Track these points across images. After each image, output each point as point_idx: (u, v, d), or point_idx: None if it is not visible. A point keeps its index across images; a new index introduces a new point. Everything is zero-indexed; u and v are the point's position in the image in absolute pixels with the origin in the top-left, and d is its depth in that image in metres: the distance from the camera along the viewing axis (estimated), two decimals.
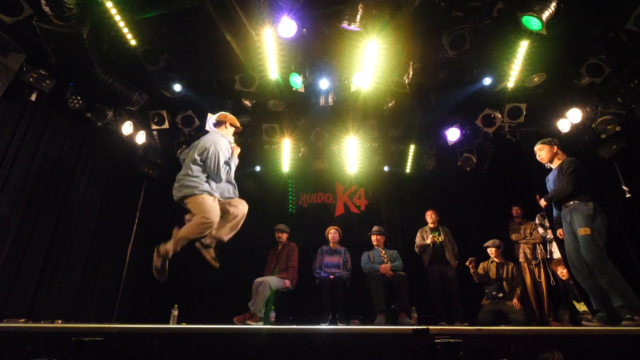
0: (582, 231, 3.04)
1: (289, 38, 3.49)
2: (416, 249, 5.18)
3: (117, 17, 3.37)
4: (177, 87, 4.50)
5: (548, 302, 4.74)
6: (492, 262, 4.78)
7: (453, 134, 5.21)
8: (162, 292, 5.19)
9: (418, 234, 5.24)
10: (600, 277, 2.94)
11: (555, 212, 3.50)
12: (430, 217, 5.21)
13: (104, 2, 3.21)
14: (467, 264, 4.64)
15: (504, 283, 4.55)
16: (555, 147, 3.44)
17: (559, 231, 3.50)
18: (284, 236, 5.11)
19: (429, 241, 5.00)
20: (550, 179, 3.45)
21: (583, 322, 3.42)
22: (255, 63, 4.00)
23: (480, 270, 4.71)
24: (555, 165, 3.45)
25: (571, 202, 3.20)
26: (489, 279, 4.67)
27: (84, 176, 4.50)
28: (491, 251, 4.79)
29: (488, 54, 4.06)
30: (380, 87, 4.27)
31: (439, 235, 5.05)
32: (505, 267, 4.68)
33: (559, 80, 4.31)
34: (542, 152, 3.47)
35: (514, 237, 5.20)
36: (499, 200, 5.72)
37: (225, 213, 3.12)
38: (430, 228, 5.17)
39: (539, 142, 3.53)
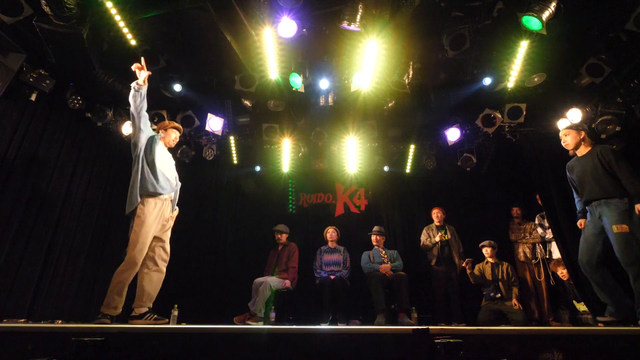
0: (619, 228, 2.79)
1: (289, 38, 3.49)
2: (422, 247, 5.16)
3: (117, 17, 3.37)
4: (177, 87, 4.50)
5: (548, 302, 4.74)
6: (486, 262, 4.78)
7: (453, 134, 5.21)
8: (162, 292, 5.17)
9: (424, 231, 5.21)
10: (633, 274, 2.72)
11: (579, 204, 3.26)
12: (436, 215, 5.19)
13: (104, 2, 3.21)
14: (463, 264, 4.65)
15: (500, 284, 4.56)
16: (583, 133, 3.20)
17: (580, 221, 3.21)
18: (284, 237, 5.11)
19: (437, 239, 4.98)
20: (583, 168, 3.13)
21: (598, 318, 3.08)
22: (255, 63, 4.00)
23: (476, 271, 4.72)
24: (581, 152, 3.21)
25: (604, 199, 2.94)
26: (485, 280, 4.67)
27: (84, 176, 4.50)
28: (486, 251, 4.79)
29: (488, 54, 4.05)
30: (380, 87, 4.27)
31: (446, 233, 5.03)
32: (500, 267, 4.68)
33: (559, 80, 4.31)
34: (567, 137, 3.24)
35: (513, 237, 5.21)
36: (499, 200, 5.72)
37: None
38: (437, 226, 5.15)
39: (564, 127, 3.31)
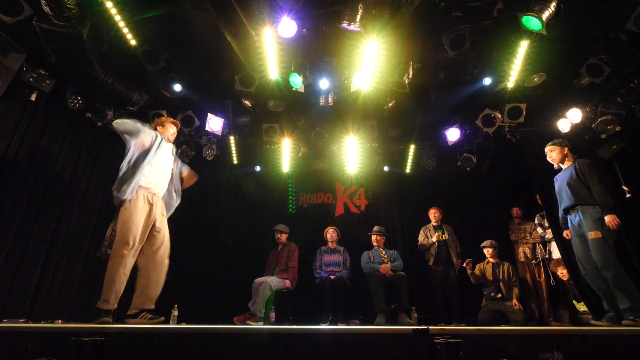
0: (593, 235, 3.08)
1: (289, 38, 3.49)
2: (419, 247, 5.16)
3: (117, 17, 3.37)
4: (177, 87, 4.49)
5: (548, 302, 4.74)
6: (487, 262, 4.78)
7: (453, 134, 5.21)
8: (162, 292, 5.18)
9: (421, 232, 5.21)
10: (609, 278, 2.97)
11: (561, 214, 3.51)
12: (433, 215, 5.18)
13: (104, 2, 3.21)
14: (464, 265, 4.65)
15: (501, 284, 4.56)
16: (566, 149, 3.49)
17: (566, 232, 3.52)
18: (283, 237, 5.11)
19: (434, 239, 4.97)
20: (562, 179, 3.44)
21: (593, 322, 3.40)
22: (255, 63, 4.00)
23: (476, 271, 4.72)
24: (565, 166, 3.49)
25: (579, 206, 3.23)
26: (485, 280, 4.67)
27: (84, 176, 4.50)
28: (488, 251, 4.79)
29: (488, 54, 4.05)
30: (380, 87, 4.27)
31: (443, 233, 5.03)
32: (501, 267, 4.69)
33: (559, 80, 4.31)
34: (553, 153, 3.52)
35: (513, 237, 5.20)
36: (499, 200, 5.72)
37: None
38: (434, 226, 5.14)
39: (549, 143, 3.56)
